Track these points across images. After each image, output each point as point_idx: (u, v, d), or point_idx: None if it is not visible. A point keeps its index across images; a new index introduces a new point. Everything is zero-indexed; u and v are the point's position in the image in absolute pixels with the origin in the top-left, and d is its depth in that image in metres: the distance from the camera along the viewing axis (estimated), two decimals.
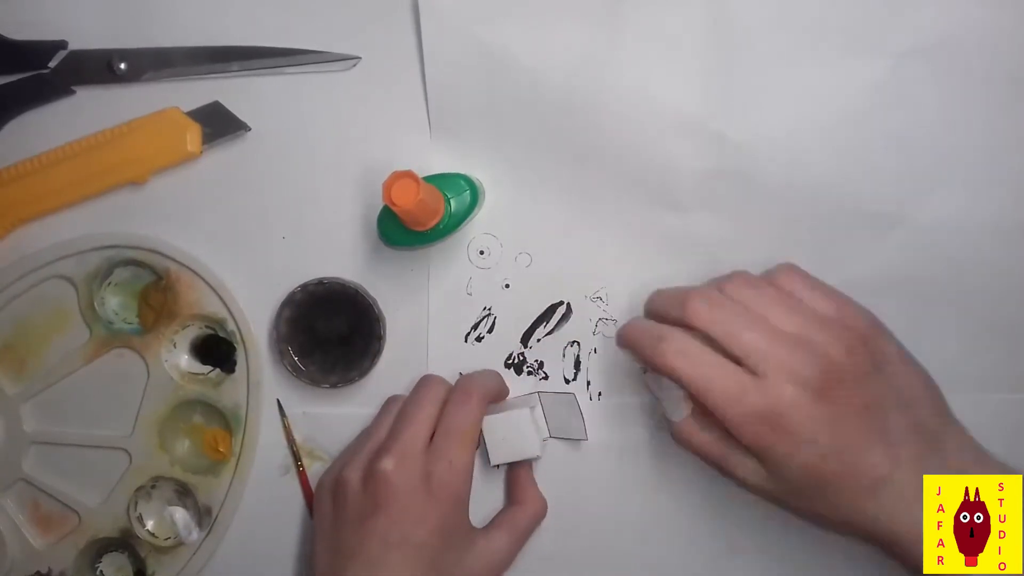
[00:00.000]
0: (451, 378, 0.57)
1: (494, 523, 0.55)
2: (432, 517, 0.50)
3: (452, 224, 0.53)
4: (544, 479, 0.57)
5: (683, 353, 0.46)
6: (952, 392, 0.56)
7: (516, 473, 0.57)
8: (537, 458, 0.55)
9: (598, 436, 0.57)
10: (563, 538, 0.58)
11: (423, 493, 0.50)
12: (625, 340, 0.50)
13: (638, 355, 0.49)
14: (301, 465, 0.58)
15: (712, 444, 0.48)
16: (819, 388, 0.45)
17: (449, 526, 0.51)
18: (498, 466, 0.56)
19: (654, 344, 0.47)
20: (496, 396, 0.56)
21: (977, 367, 0.56)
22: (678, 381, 0.46)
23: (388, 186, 0.48)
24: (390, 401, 0.57)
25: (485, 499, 0.57)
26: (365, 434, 0.56)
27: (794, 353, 0.45)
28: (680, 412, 0.49)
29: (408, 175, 0.48)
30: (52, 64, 0.57)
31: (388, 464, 0.51)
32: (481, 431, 0.54)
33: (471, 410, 0.53)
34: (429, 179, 0.53)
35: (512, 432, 0.54)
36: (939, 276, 0.55)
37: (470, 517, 0.54)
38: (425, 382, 0.56)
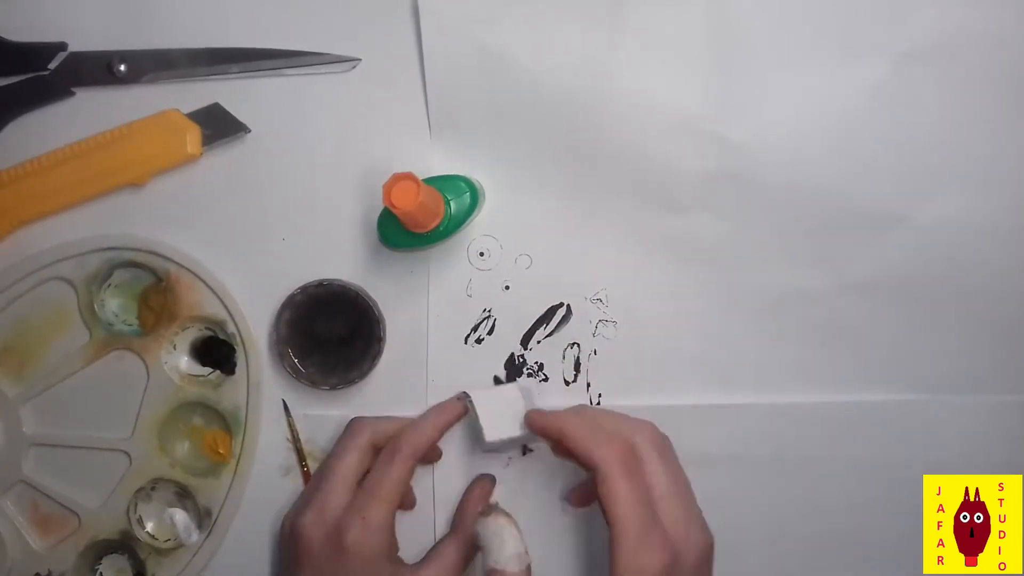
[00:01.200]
0: (451, 385, 0.58)
1: (426, 557, 0.55)
2: (347, 573, 0.51)
3: (452, 226, 0.54)
4: (548, 481, 0.58)
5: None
6: (951, 393, 0.56)
7: (464, 496, 0.57)
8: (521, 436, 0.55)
9: None
10: (565, 536, 0.58)
11: (336, 550, 0.51)
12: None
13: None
14: (306, 465, 0.58)
15: None
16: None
17: None
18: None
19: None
20: (441, 434, 0.55)
21: (977, 368, 0.56)
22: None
23: (388, 188, 0.48)
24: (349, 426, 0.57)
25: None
26: (314, 475, 0.57)
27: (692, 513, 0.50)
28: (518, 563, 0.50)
29: (408, 177, 0.48)
30: (52, 66, 0.57)
31: (305, 521, 0.52)
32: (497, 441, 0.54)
33: (394, 469, 0.52)
34: (429, 181, 0.53)
35: (499, 409, 0.54)
36: (939, 277, 0.55)
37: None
38: (349, 429, 0.56)
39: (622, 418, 0.52)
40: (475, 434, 0.57)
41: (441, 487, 0.58)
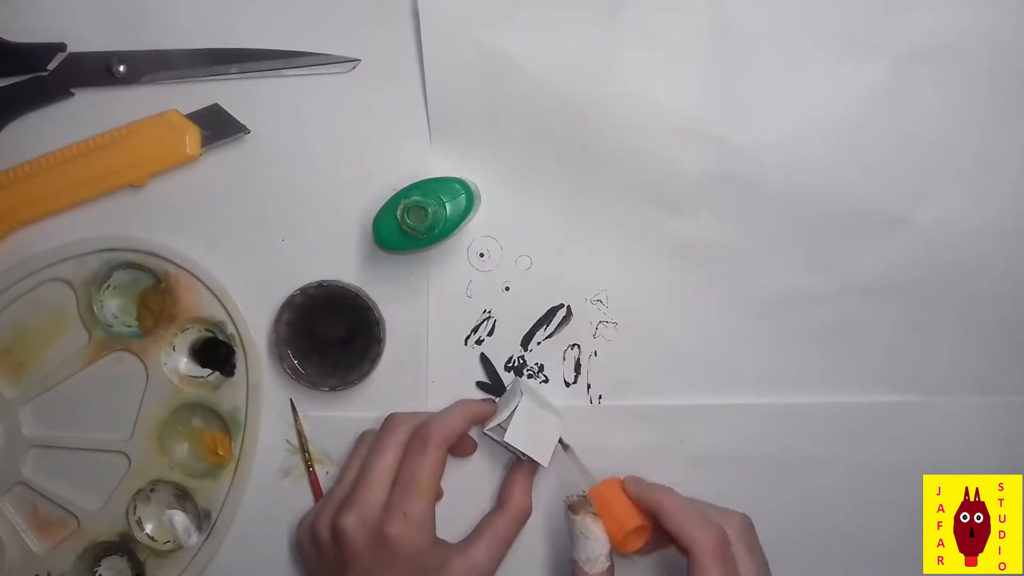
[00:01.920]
0: (451, 386, 0.58)
1: (474, 533, 0.55)
2: (396, 567, 0.51)
3: (447, 228, 0.53)
4: (544, 484, 0.57)
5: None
6: (952, 395, 0.56)
7: (510, 473, 0.57)
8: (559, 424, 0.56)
9: (599, 440, 0.57)
10: (557, 542, 0.58)
11: (382, 547, 0.51)
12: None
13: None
14: (311, 466, 0.58)
15: None
16: None
17: (415, 568, 0.51)
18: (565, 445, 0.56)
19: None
20: (469, 424, 0.56)
21: (977, 369, 0.56)
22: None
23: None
24: (361, 439, 0.57)
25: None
26: (339, 476, 0.56)
27: None
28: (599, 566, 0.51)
29: None
30: (51, 66, 0.57)
31: (347, 522, 0.52)
32: (512, 447, 0.54)
33: (427, 459, 0.53)
34: (425, 183, 0.54)
35: (534, 424, 0.55)
36: (939, 278, 0.55)
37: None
38: (387, 425, 0.56)
39: (710, 506, 0.52)
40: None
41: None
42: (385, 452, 0.54)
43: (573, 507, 0.52)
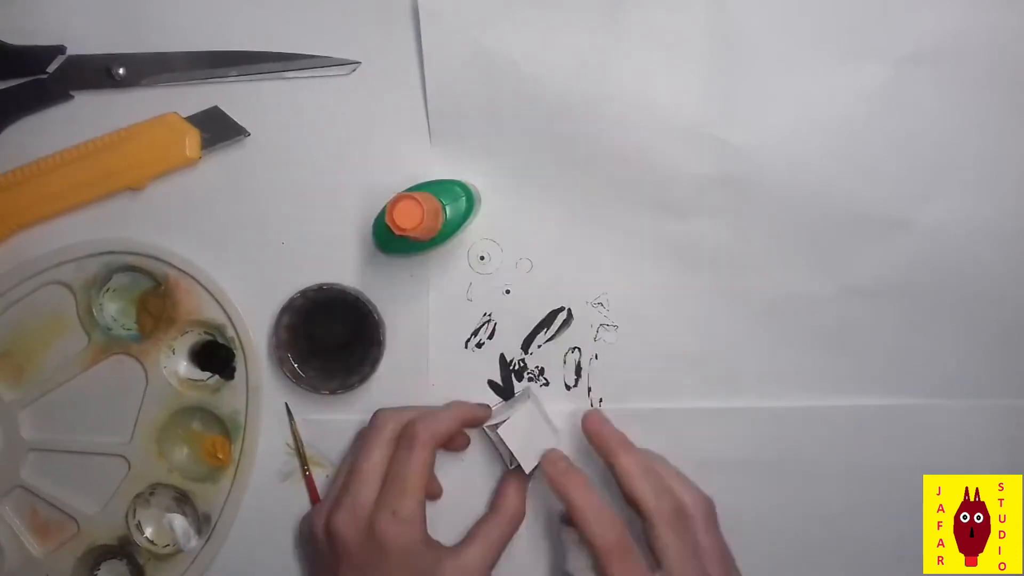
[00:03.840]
0: (452, 389, 0.58)
1: (467, 537, 0.55)
2: (387, 565, 0.51)
3: (448, 231, 0.53)
4: (543, 488, 0.57)
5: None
6: (952, 398, 0.56)
7: (503, 477, 0.57)
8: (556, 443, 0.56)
9: None
10: (549, 550, 0.58)
11: (373, 545, 0.51)
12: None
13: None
14: (308, 470, 0.58)
15: None
16: None
17: (407, 567, 0.51)
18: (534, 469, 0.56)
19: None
20: (459, 426, 0.56)
21: (977, 372, 0.56)
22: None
23: (391, 208, 0.47)
24: (359, 436, 0.57)
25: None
26: (334, 476, 0.57)
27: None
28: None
29: (411, 198, 0.47)
30: (50, 69, 0.57)
31: (338, 521, 0.52)
32: (503, 442, 0.54)
33: (414, 457, 0.53)
34: (425, 186, 0.54)
35: (532, 430, 0.55)
36: (940, 281, 0.55)
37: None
38: (374, 423, 0.56)
39: (673, 473, 0.54)
40: (504, 459, 0.57)
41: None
42: (372, 449, 0.54)
43: (566, 518, 0.52)
